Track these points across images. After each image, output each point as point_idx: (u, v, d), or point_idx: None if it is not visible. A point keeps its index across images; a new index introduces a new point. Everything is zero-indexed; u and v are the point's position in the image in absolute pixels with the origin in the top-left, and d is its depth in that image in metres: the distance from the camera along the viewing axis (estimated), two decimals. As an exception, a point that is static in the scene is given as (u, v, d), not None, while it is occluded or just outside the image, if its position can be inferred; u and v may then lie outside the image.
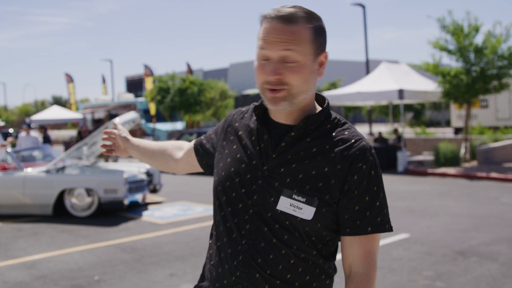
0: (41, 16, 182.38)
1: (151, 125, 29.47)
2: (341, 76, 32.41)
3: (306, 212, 1.71)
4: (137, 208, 11.41)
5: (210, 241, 1.98)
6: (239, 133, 1.94)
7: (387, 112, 29.87)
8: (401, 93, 16.95)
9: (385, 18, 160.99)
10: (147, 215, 10.76)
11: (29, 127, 16.07)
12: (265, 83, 1.73)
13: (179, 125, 30.85)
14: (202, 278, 2.02)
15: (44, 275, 6.75)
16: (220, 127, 2.08)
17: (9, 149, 11.35)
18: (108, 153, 2.49)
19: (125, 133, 2.47)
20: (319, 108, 1.87)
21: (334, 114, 1.85)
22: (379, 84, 18.34)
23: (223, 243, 1.86)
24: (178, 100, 28.35)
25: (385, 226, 1.77)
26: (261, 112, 1.89)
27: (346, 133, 1.79)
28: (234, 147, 1.92)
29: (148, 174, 12.00)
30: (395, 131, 20.15)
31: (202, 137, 2.19)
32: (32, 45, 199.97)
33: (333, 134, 1.78)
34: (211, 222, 9.69)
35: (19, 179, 10.65)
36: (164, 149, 2.36)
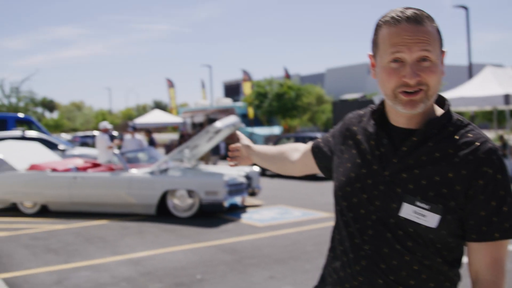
0: (143, 24, 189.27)
1: (248, 129, 29.89)
2: (442, 81, 31.54)
3: (431, 219, 1.68)
4: (236, 211, 11.60)
5: (332, 244, 1.98)
6: (358, 137, 1.92)
7: (491, 118, 28.73)
8: (507, 98, 16.25)
9: (487, 19, 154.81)
10: (246, 217, 10.92)
11: (134, 129, 16.72)
12: (399, 87, 1.69)
13: (276, 130, 31.06)
14: (322, 280, 2.03)
15: (149, 271, 7.01)
16: (337, 130, 2.07)
17: (116, 151, 11.85)
18: (233, 166, 2.58)
19: (246, 141, 2.54)
20: (439, 110, 1.82)
21: (456, 116, 1.79)
22: (483, 89, 17.65)
23: (346, 248, 1.86)
24: (276, 104, 28.54)
25: None
26: (379, 115, 1.87)
27: (470, 135, 1.72)
28: (353, 151, 1.91)
29: (247, 177, 12.17)
30: (501, 138, 19.33)
31: (320, 140, 2.19)
32: (135, 52, 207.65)
33: (456, 137, 1.72)
34: (308, 227, 9.73)
35: (125, 179, 11.11)
36: (282, 152, 2.40)
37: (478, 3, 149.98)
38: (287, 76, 33.91)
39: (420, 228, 1.70)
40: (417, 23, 1.68)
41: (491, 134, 31.32)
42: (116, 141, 16.12)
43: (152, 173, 11.19)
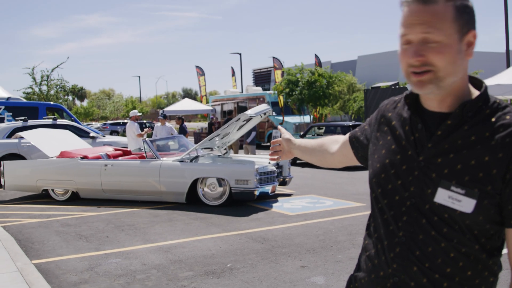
0: (172, 12, 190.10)
1: (280, 118, 29.71)
2: (478, 68, 30.86)
3: (466, 204, 1.62)
4: (266, 199, 11.51)
5: (367, 232, 1.95)
6: (393, 123, 1.89)
7: (527, 106, 28.09)
8: (546, 86, 15.84)
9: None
10: (277, 206, 10.81)
11: (164, 117, 16.72)
12: (409, 67, 1.67)
13: (307, 118, 30.85)
14: (358, 268, 2.00)
15: (180, 259, 6.96)
16: (373, 118, 2.04)
17: (146, 139, 11.85)
18: (275, 159, 2.63)
19: (288, 135, 2.56)
20: (475, 93, 1.74)
21: (493, 98, 1.72)
22: (521, 77, 17.24)
23: (380, 235, 1.83)
24: (307, 93, 28.32)
25: None
26: (413, 100, 1.82)
27: (508, 117, 1.64)
28: (388, 138, 1.88)
29: (278, 166, 12.05)
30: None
31: (357, 129, 2.18)
32: (164, 40, 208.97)
33: (493, 120, 1.65)
34: (340, 216, 9.59)
35: (155, 167, 11.09)
36: (321, 144, 2.41)
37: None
38: (318, 63, 33.60)
39: (455, 213, 1.65)
40: (426, 3, 1.63)
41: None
42: (146, 129, 16.15)
43: (182, 161, 11.15)
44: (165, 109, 33.78)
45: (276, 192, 12.07)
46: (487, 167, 1.61)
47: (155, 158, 11.33)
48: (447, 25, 1.63)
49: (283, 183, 12.40)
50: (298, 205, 10.90)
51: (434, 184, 1.67)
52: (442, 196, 1.65)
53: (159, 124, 16.82)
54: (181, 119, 18.65)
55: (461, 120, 1.68)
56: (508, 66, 23.94)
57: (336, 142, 2.33)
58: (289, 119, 30.42)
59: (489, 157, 1.61)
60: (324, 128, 20.82)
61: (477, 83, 1.79)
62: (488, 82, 18.66)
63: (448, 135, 1.68)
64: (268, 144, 27.31)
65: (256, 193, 10.61)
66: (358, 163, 2.23)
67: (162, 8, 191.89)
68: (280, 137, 2.59)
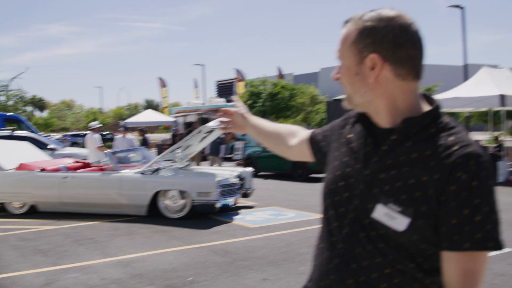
0: (136, 22, 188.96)
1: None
2: (437, 81, 31.44)
3: (400, 222, 1.60)
4: (228, 212, 11.45)
5: (316, 242, 1.95)
6: (349, 136, 1.89)
7: (486, 119, 28.75)
8: (502, 98, 16.19)
9: (484, 20, 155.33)
10: (239, 219, 10.77)
11: (125, 129, 16.55)
12: None
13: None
14: (309, 277, 1.98)
15: (140, 273, 6.86)
16: (336, 126, 2.04)
17: (106, 151, 11.69)
18: (225, 129, 2.56)
19: (243, 110, 2.50)
20: (426, 110, 1.73)
21: (443, 117, 1.70)
22: (478, 90, 17.59)
23: (324, 245, 1.83)
24: (269, 104, 28.44)
25: (487, 244, 1.55)
26: (366, 115, 1.83)
27: (452, 138, 1.62)
28: (343, 150, 1.87)
29: (240, 178, 12.03)
30: (496, 139, 19.30)
31: (318, 132, 2.17)
32: (127, 50, 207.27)
33: (436, 139, 1.63)
34: (302, 228, 9.60)
35: (116, 179, 10.95)
36: (278, 133, 2.37)
37: (474, 3, 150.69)
38: (281, 75, 33.84)
39: (390, 230, 1.63)
40: (345, 26, 1.75)
41: (485, 136, 31.37)
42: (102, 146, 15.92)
43: (143, 173, 11.03)
44: (127, 120, 33.46)
45: (238, 205, 12.03)
46: (424, 187, 1.60)
47: (115, 170, 11.19)
48: (346, 48, 1.71)
49: (245, 195, 12.36)
50: (260, 217, 10.88)
51: (376, 199, 1.67)
52: (380, 212, 1.65)
53: (120, 135, 16.65)
54: (143, 130, 18.51)
55: (405, 136, 1.67)
56: (465, 79, 24.43)
57: (294, 135, 2.31)
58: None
59: (427, 177, 1.60)
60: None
61: (431, 101, 1.78)
62: (446, 95, 19.02)
63: (393, 150, 1.68)
64: (231, 155, 27.26)
65: (218, 205, 10.54)
66: (313, 160, 2.21)
67: (126, 18, 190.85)
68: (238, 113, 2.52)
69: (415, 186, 1.60)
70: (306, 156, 2.23)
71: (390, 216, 1.62)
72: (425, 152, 1.62)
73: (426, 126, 1.67)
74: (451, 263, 1.59)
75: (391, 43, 1.65)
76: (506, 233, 7.07)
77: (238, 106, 2.53)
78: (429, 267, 1.67)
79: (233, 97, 2.70)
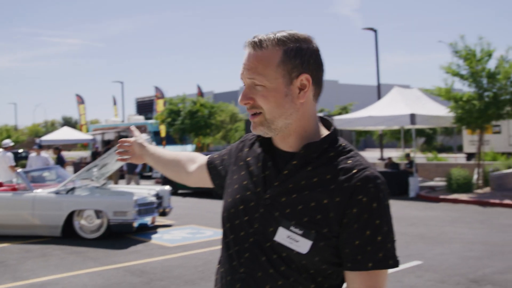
0: (54, 37, 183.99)
1: (161, 147, 29.56)
2: (352, 100, 32.39)
3: (303, 245, 1.64)
4: (146, 231, 11.32)
5: (218, 266, 1.95)
6: (248, 159, 1.90)
7: (398, 137, 29.79)
8: (413, 117, 16.87)
9: (396, 42, 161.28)
10: (156, 238, 10.67)
11: (39, 147, 16.09)
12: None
13: (189, 148, 30.86)
14: None
15: (52, 297, 6.67)
16: (234, 149, 2.04)
17: (19, 170, 11.33)
18: (123, 160, 2.48)
19: (141, 139, 2.46)
20: (324, 134, 1.79)
21: (340, 141, 1.76)
22: (390, 109, 18.28)
23: (225, 270, 1.83)
24: (189, 122, 28.36)
25: (388, 262, 1.63)
26: (266, 138, 1.84)
27: (350, 161, 1.69)
28: (242, 173, 1.88)
29: (158, 196, 11.93)
30: (407, 156, 20.02)
31: (216, 156, 2.16)
32: (43, 66, 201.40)
33: (335, 163, 1.69)
34: (220, 247, 9.58)
35: (28, 199, 10.62)
36: (178, 160, 2.34)
37: (387, 27, 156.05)
38: (200, 93, 33.80)
39: (292, 253, 1.66)
40: (256, 48, 1.70)
41: (398, 153, 32.47)
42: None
43: (57, 192, 10.75)
44: (43, 138, 32.49)
45: (156, 223, 11.91)
46: (325, 209, 1.63)
47: (28, 190, 10.85)
48: (271, 69, 1.67)
49: (163, 213, 12.26)
50: (178, 236, 10.82)
51: (277, 222, 1.69)
52: (282, 235, 1.67)
53: (34, 154, 16.18)
54: (58, 149, 18.05)
55: (306, 160, 1.71)
56: (379, 98, 25.26)
57: (193, 161, 2.29)
58: (171, 148, 30.28)
59: (328, 200, 1.64)
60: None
61: (328, 124, 1.83)
62: (361, 113, 19.62)
63: (293, 174, 1.70)
64: (150, 174, 26.96)
65: (135, 224, 10.41)
66: (213, 186, 2.20)
67: (44, 33, 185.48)
68: (141, 140, 2.47)
69: (316, 209, 1.64)
70: (205, 181, 2.21)
71: (292, 239, 1.64)
72: (326, 176, 1.67)
73: (325, 150, 1.72)
74: (356, 282, 1.64)
75: (315, 64, 1.71)
76: (415, 246, 7.43)
77: (136, 135, 2.48)
78: (328, 285, 1.72)
79: (131, 127, 2.61)
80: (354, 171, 1.65)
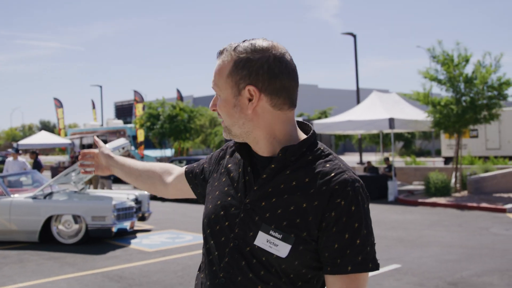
0: (31, 41, 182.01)
1: (143, 152, 29.34)
2: (332, 104, 32.55)
3: (282, 249, 1.64)
4: (125, 236, 11.25)
5: (198, 271, 1.94)
6: (229, 166, 1.91)
7: (377, 141, 29.93)
8: (391, 122, 16.99)
9: (375, 47, 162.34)
10: (135, 243, 10.60)
11: (16, 152, 15.93)
12: None
13: (168, 152, 30.74)
14: None
15: (29, 304, 6.59)
16: (214, 157, 2.04)
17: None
18: (87, 173, 2.43)
19: (107, 150, 2.40)
20: (302, 138, 1.78)
21: (319, 145, 1.77)
22: (369, 113, 18.40)
23: (206, 275, 1.82)
24: (168, 127, 28.24)
25: (368, 265, 1.63)
26: (245, 145, 1.85)
27: (328, 165, 1.69)
28: (224, 180, 1.88)
29: (137, 201, 11.86)
30: (386, 160, 20.14)
31: (195, 165, 2.14)
32: (21, 69, 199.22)
33: (314, 166, 1.70)
34: (200, 251, 9.54)
35: (5, 205, 10.49)
36: (152, 171, 2.29)
37: (366, 32, 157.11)
38: (180, 97, 33.69)
39: (271, 257, 1.66)
40: (219, 58, 1.76)
41: (377, 157, 32.65)
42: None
43: (34, 197, 10.64)
44: (20, 142, 32.11)
45: (135, 228, 11.85)
46: (304, 213, 1.64)
47: (5, 195, 10.72)
48: (223, 80, 1.71)
49: (142, 218, 12.19)
50: (157, 241, 10.76)
51: (257, 227, 1.69)
52: (261, 240, 1.67)
53: (10, 158, 15.99)
54: (35, 153, 17.87)
55: (284, 164, 1.71)
56: (358, 102, 25.42)
57: (169, 173, 2.27)
58: (150, 152, 30.18)
59: (307, 204, 1.64)
60: (185, 161, 20.80)
61: (307, 128, 1.84)
62: (340, 117, 19.73)
63: (272, 178, 1.71)
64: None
65: (114, 229, 10.34)
66: (192, 196, 2.18)
67: (21, 36, 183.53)
68: (102, 150, 2.41)
69: (295, 212, 1.64)
70: (184, 192, 2.20)
71: (271, 243, 1.65)
72: (304, 180, 1.67)
73: (303, 153, 1.72)
74: (336, 285, 1.64)
75: (266, 75, 1.68)
76: (394, 250, 7.48)
77: (100, 146, 2.42)
78: None
79: (94, 137, 2.54)
80: (332, 174, 1.66)
